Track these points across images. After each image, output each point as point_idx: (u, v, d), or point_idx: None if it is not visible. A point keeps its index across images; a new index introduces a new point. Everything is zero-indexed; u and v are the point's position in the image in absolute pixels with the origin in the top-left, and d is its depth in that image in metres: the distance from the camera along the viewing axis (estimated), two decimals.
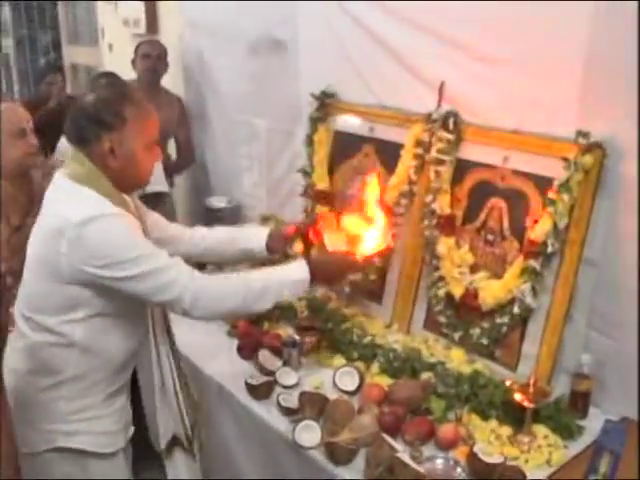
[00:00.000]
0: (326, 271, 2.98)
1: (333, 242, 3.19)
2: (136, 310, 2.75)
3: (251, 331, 3.68)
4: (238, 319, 3.68)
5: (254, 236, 3.29)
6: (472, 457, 2.63)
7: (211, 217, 5.29)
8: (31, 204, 3.52)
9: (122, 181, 2.66)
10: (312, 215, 3.61)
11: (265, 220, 4.73)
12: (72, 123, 2.66)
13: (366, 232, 3.29)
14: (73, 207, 2.54)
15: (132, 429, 2.94)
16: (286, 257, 3.38)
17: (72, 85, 8.78)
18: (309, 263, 2.89)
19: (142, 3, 6.42)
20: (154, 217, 3.10)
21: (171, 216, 5.34)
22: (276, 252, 3.30)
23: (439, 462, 2.69)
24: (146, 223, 2.89)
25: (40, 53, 10.57)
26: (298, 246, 3.34)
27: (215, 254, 3.29)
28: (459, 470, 2.64)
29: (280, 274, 2.88)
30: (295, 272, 2.89)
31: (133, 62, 5.56)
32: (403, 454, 2.66)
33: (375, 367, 3.32)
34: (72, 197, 2.60)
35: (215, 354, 3.57)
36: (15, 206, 3.50)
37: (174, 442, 3.09)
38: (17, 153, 3.51)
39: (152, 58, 5.47)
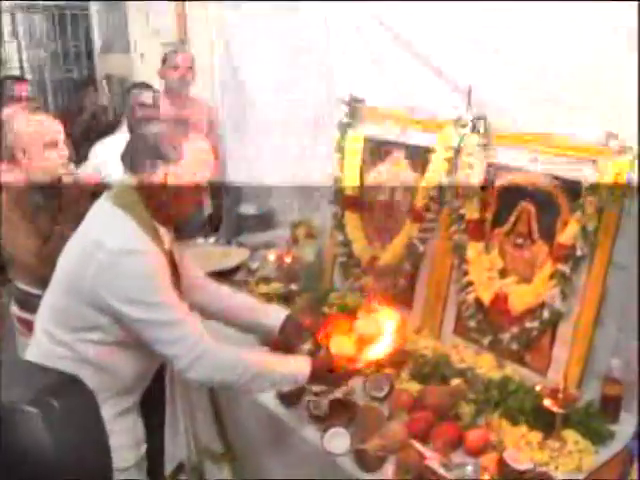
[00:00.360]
0: (325, 376, 2.94)
1: (339, 347, 3.12)
2: None
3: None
4: None
5: (273, 314, 3.27)
6: (501, 464, 2.61)
7: (242, 224, 5.32)
8: (59, 213, 3.57)
9: (164, 214, 2.71)
10: (328, 313, 3.59)
11: (296, 227, 4.74)
12: (131, 149, 2.71)
13: (376, 338, 3.18)
14: (111, 233, 2.59)
15: (144, 446, 2.97)
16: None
17: (104, 95, 8.87)
18: (313, 364, 2.87)
19: (172, 13, 6.49)
20: (185, 259, 3.11)
21: (201, 226, 5.39)
22: (287, 337, 3.25)
23: (468, 469, 2.66)
24: (180, 260, 2.93)
25: (73, 64, 10.68)
26: (307, 347, 3.24)
27: (229, 317, 3.25)
28: (488, 477, 2.61)
29: (281, 365, 2.86)
30: (296, 368, 2.86)
31: (160, 72, 5.57)
32: (432, 461, 2.65)
33: (405, 373, 3.32)
34: (111, 222, 2.64)
35: None
36: (44, 215, 3.57)
37: (179, 469, 3.11)
38: (48, 163, 3.62)
39: (182, 69, 5.49)
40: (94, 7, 9.36)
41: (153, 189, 2.64)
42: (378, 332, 3.16)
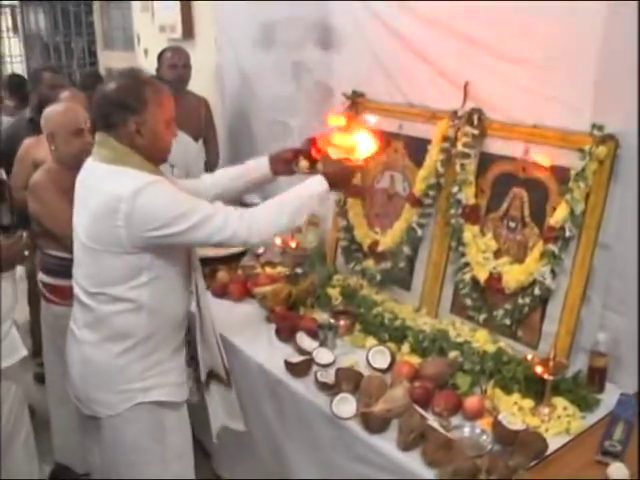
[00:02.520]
0: (337, 178, 3.28)
1: (335, 153, 3.45)
2: (185, 271, 3.07)
3: (288, 315, 3.89)
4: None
5: (258, 166, 3.54)
6: (497, 425, 2.83)
7: None
8: None
9: (148, 157, 2.92)
10: (306, 140, 3.79)
11: None
12: (98, 111, 2.93)
13: (356, 141, 3.54)
14: (119, 184, 2.80)
15: (190, 381, 3.25)
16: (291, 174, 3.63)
17: None
18: (324, 175, 3.22)
19: (178, 9, 6.59)
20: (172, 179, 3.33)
21: None
22: (282, 174, 3.56)
23: (466, 430, 2.89)
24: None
25: (76, 59, 10.78)
26: (304, 163, 3.53)
27: (229, 193, 3.53)
28: (485, 437, 2.83)
29: (305, 191, 3.19)
30: (317, 186, 3.19)
31: (157, 70, 5.65)
32: (433, 422, 2.88)
33: (405, 347, 3.52)
34: (114, 177, 2.86)
35: (255, 338, 3.78)
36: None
37: (210, 376, 3.34)
38: (74, 149, 3.89)
39: (179, 68, 5.57)
40: (97, 4, 9.46)
41: (131, 139, 2.87)
42: (354, 143, 3.53)
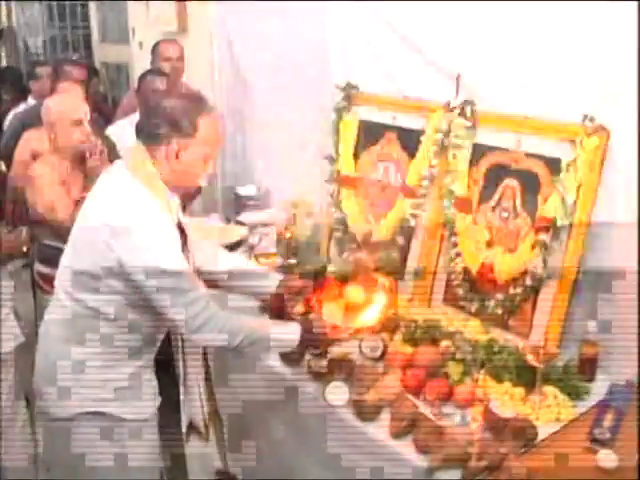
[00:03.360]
0: (313, 341, 3.14)
1: (330, 313, 3.25)
2: None
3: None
4: None
5: (268, 279, 3.40)
6: (487, 412, 2.84)
7: (240, 205, 5.46)
8: (85, 180, 3.83)
9: (174, 183, 2.86)
10: (321, 279, 3.68)
11: (294, 206, 4.91)
12: (147, 120, 2.87)
13: (364, 306, 3.31)
14: (125, 204, 2.74)
15: (159, 400, 3.12)
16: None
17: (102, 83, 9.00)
18: (303, 330, 3.05)
19: (173, 2, 6.57)
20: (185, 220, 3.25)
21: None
22: (280, 301, 3.38)
23: (457, 418, 2.90)
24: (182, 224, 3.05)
25: (72, 51, 10.79)
26: (298, 307, 3.37)
27: (225, 281, 3.34)
28: (475, 425, 2.85)
29: (276, 330, 3.05)
30: (288, 334, 3.05)
31: (152, 63, 5.68)
32: (425, 410, 2.90)
33: (398, 337, 3.52)
34: (126, 191, 2.78)
35: None
36: (75, 181, 3.85)
37: (191, 428, 3.30)
38: (74, 139, 3.94)
39: (173, 60, 5.61)
40: None
41: (166, 159, 2.78)
42: (366, 302, 3.30)
